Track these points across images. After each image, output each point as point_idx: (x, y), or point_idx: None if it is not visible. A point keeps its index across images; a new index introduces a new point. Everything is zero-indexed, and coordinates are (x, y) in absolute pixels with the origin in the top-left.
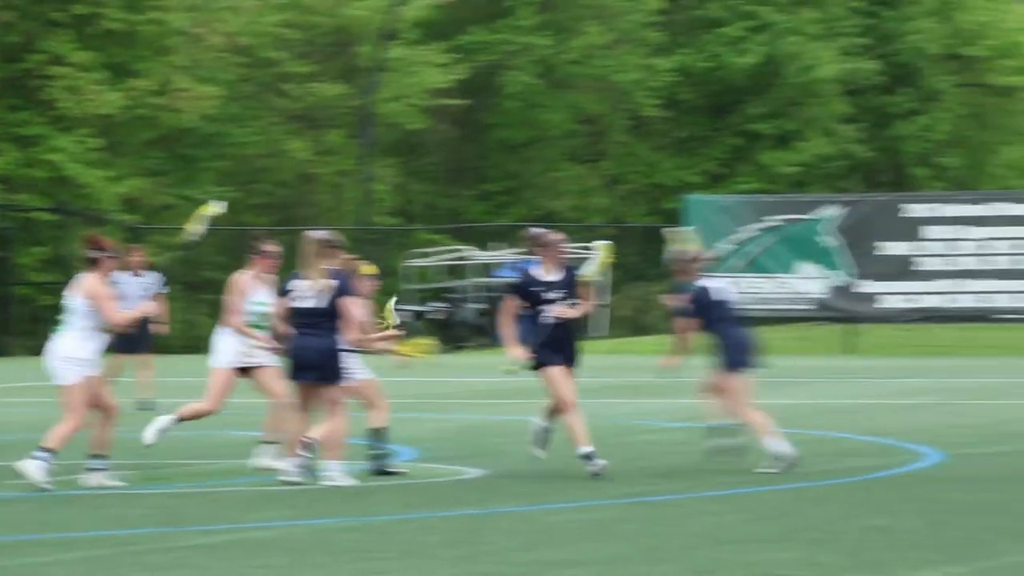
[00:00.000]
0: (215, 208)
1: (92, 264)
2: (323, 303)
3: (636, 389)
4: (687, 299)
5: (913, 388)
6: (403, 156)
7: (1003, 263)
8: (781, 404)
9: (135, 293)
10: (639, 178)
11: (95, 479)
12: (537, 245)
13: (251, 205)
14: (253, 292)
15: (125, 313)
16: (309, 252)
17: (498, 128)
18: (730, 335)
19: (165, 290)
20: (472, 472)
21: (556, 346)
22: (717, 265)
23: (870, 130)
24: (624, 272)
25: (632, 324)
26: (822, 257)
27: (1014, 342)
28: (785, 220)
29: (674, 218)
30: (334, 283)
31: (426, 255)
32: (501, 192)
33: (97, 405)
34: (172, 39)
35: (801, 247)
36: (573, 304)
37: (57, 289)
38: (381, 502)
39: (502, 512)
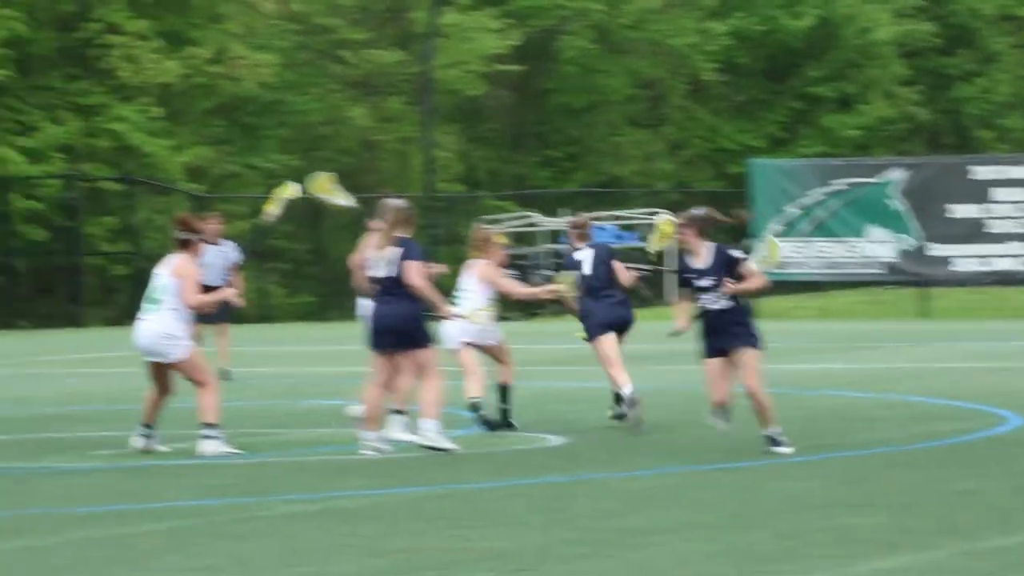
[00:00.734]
0: (293, 190)
1: (183, 245)
2: (395, 271)
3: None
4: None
5: (989, 352)
6: (464, 122)
7: None
8: (857, 368)
9: (214, 262)
10: (701, 143)
11: (144, 444)
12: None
13: (315, 173)
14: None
15: (203, 297)
16: (388, 220)
17: (557, 93)
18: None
19: (241, 260)
20: (555, 439)
21: (713, 335)
22: (781, 228)
23: (929, 92)
24: None
25: None
26: (891, 220)
27: None
28: (851, 184)
29: (739, 182)
30: (399, 250)
31: (497, 222)
32: (564, 158)
33: (157, 380)
34: (225, 6)
35: (870, 210)
36: (720, 288)
37: (127, 259)
38: (468, 470)
39: (587, 479)
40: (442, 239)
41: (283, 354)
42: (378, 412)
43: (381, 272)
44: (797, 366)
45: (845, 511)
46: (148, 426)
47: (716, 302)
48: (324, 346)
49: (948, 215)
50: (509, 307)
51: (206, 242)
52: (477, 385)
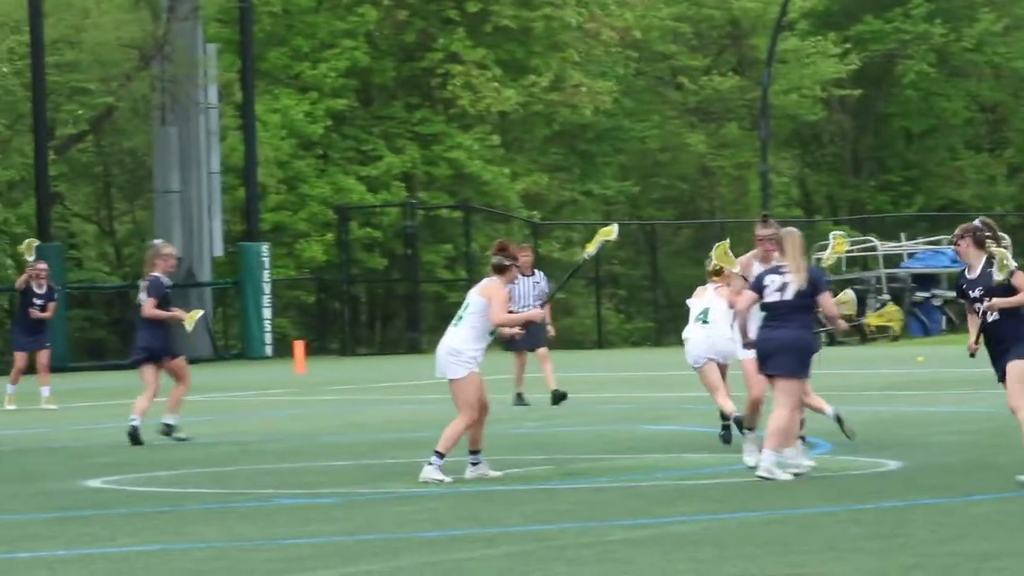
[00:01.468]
0: (614, 233)
1: (499, 270)
2: (789, 296)
3: None
4: None
5: None
6: (801, 148)
7: None
8: None
9: (525, 292)
10: None
11: (474, 472)
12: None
13: (652, 199)
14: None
15: (509, 316)
16: (788, 246)
17: (896, 117)
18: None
19: (551, 291)
20: (891, 464)
21: (989, 347)
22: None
23: None
24: None
25: None
26: None
27: None
28: None
29: None
30: (808, 277)
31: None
32: (902, 182)
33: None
34: (565, 35)
35: None
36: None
37: (464, 287)
38: (802, 495)
39: (924, 504)
40: None
41: (619, 380)
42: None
43: (773, 297)
44: None
45: None
46: (475, 452)
47: (990, 315)
48: (660, 371)
49: None
50: (846, 333)
51: (520, 271)
52: (730, 400)
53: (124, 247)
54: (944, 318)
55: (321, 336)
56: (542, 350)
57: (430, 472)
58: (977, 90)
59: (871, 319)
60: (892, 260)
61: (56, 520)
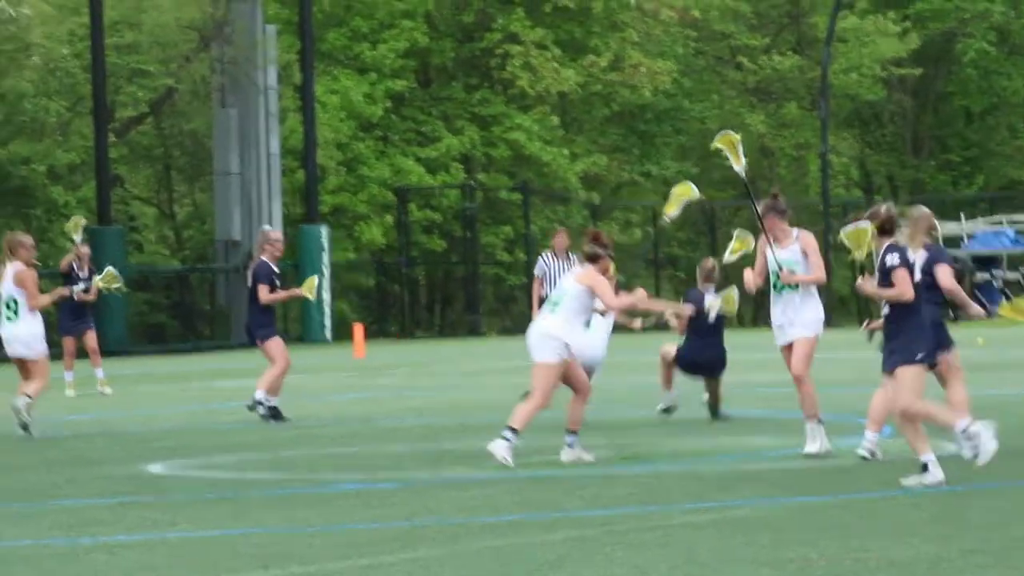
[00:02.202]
0: (693, 192)
1: (593, 259)
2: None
3: None
4: None
5: None
6: (861, 127)
7: None
8: None
9: (558, 274)
10: None
11: (570, 455)
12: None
13: (711, 180)
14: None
15: (627, 298)
16: (916, 226)
17: (956, 97)
18: None
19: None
20: (950, 448)
21: None
22: None
23: None
24: None
25: None
26: None
27: None
28: None
29: None
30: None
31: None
32: (963, 162)
33: (570, 383)
34: (624, 14)
35: None
36: None
37: (523, 268)
38: (860, 479)
39: (984, 488)
40: (837, 245)
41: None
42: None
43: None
44: None
45: None
46: (572, 432)
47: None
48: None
49: None
50: None
51: (554, 253)
52: None
53: (184, 230)
54: (1005, 299)
55: (380, 319)
56: None
57: (500, 449)
58: None
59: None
60: (952, 241)
61: (117, 505)
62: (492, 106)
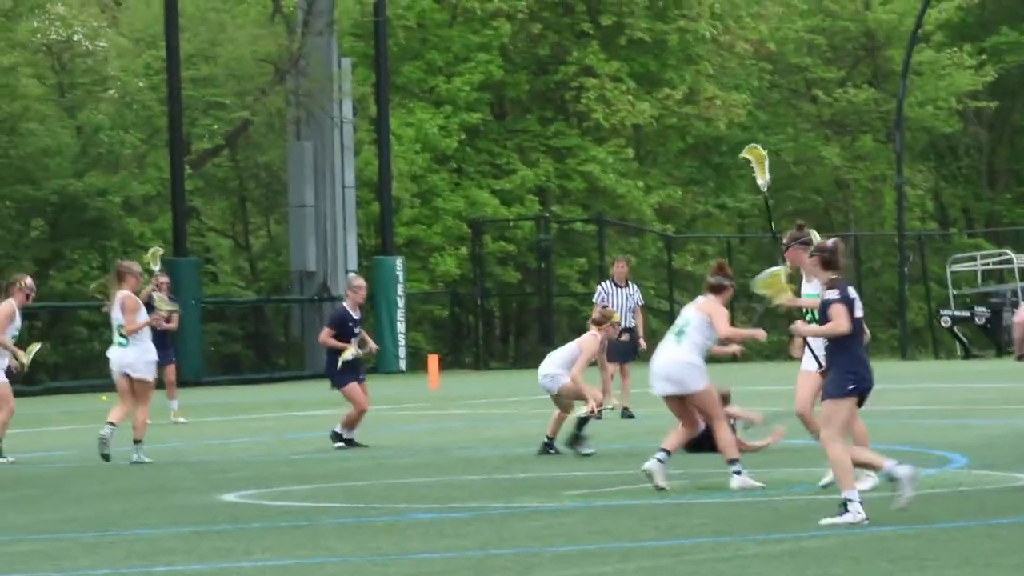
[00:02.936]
0: (760, 149)
1: (716, 290)
2: None
3: None
4: None
5: None
6: (936, 160)
7: None
8: None
9: (620, 303)
10: None
11: (736, 482)
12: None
13: (785, 212)
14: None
15: (738, 331)
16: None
17: None
18: None
19: (642, 303)
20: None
21: None
22: None
23: None
24: None
25: None
26: None
27: None
28: None
29: None
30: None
31: (972, 259)
32: None
33: (680, 415)
34: (699, 47)
35: None
36: None
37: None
38: (936, 509)
39: None
40: (912, 277)
41: (755, 393)
42: None
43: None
44: None
45: None
46: (666, 452)
47: None
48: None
49: None
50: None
51: (615, 283)
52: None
53: (259, 261)
54: None
55: (455, 350)
56: (628, 365)
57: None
58: None
59: None
60: None
61: (191, 534)
62: (567, 138)
